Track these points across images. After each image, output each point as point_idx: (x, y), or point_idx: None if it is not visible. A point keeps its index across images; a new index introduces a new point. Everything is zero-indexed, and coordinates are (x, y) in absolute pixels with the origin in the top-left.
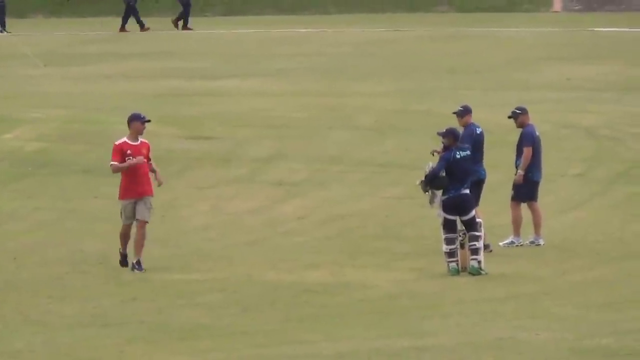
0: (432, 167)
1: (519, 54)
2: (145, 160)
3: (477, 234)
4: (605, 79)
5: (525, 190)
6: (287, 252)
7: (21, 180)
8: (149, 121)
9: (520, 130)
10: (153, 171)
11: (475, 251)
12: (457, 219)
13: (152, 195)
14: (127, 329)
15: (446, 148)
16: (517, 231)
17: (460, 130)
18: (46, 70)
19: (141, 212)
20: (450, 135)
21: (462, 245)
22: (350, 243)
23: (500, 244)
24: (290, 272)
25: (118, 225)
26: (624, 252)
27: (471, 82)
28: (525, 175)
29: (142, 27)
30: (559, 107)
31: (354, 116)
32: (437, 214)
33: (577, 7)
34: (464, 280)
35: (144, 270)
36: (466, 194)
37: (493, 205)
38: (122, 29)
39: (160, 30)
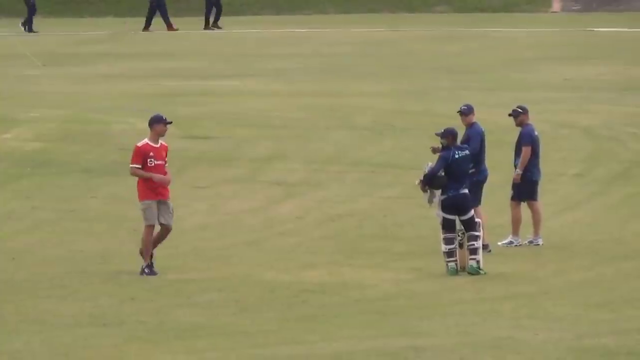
0: (431, 167)
1: (517, 54)
2: (164, 162)
3: (475, 233)
4: (603, 79)
5: (525, 189)
6: (285, 252)
7: (20, 180)
8: (170, 123)
9: (519, 129)
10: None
11: (474, 251)
12: (456, 218)
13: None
14: (126, 329)
15: (445, 148)
16: (516, 231)
17: (460, 130)
18: (45, 70)
19: (166, 217)
20: (448, 136)
21: (460, 245)
22: (348, 243)
23: (499, 243)
24: (288, 272)
25: (117, 225)
26: (622, 251)
27: (469, 82)
28: (524, 175)
29: (170, 26)
30: (557, 107)
31: (352, 116)
32: (435, 214)
33: (576, 8)
34: (462, 280)
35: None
36: (465, 193)
37: (492, 205)
38: (146, 28)
39: (189, 30)
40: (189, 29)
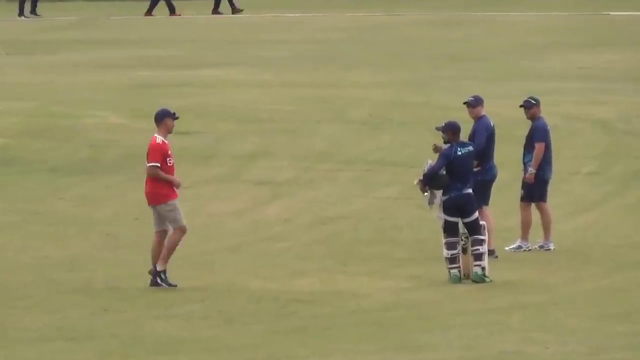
0: (431, 165)
1: (526, 40)
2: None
3: (480, 237)
4: (620, 68)
5: (536, 189)
6: (272, 258)
7: None
8: (178, 117)
9: (529, 123)
10: None
11: (478, 256)
12: (459, 221)
13: None
14: (98, 343)
15: (447, 144)
16: (525, 234)
17: (467, 125)
18: (8, 59)
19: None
20: (449, 130)
21: (464, 250)
22: (341, 248)
23: (507, 248)
24: (276, 281)
25: (87, 229)
26: None
27: (474, 71)
28: (536, 174)
29: (172, 11)
30: (570, 98)
31: (346, 109)
32: (436, 216)
33: None
34: (466, 288)
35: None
36: (469, 194)
37: (498, 206)
38: (149, 12)
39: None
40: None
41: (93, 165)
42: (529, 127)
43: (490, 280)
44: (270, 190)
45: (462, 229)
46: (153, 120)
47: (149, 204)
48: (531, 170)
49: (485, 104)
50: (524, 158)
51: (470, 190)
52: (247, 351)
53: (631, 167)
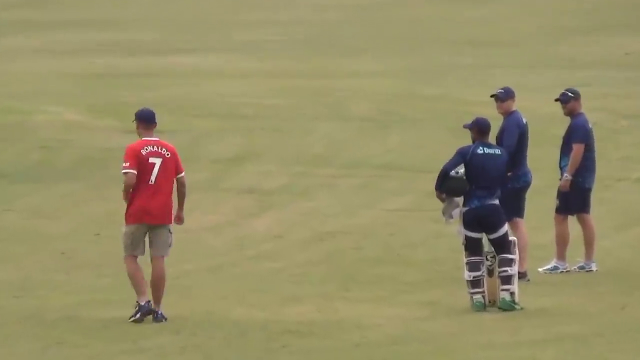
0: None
1: (561, 22)
2: None
3: (509, 257)
4: None
5: (574, 199)
6: (260, 281)
7: None
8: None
9: (568, 120)
10: None
11: (507, 279)
12: (483, 237)
13: None
14: None
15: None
16: (562, 253)
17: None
18: None
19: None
20: (475, 127)
21: (490, 272)
22: (342, 270)
23: (540, 269)
24: (264, 308)
25: (39, 247)
26: None
27: (498, 58)
28: (574, 181)
29: None
30: (615, 90)
31: (346, 103)
32: (456, 232)
33: None
34: (492, 317)
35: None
36: (494, 205)
37: (531, 220)
38: None
39: None
40: None
41: (45, 171)
42: (567, 124)
43: (521, 308)
44: (257, 200)
45: (488, 246)
46: (141, 121)
47: (161, 222)
48: (566, 176)
49: (516, 97)
50: (560, 162)
51: (496, 201)
52: None
53: None
